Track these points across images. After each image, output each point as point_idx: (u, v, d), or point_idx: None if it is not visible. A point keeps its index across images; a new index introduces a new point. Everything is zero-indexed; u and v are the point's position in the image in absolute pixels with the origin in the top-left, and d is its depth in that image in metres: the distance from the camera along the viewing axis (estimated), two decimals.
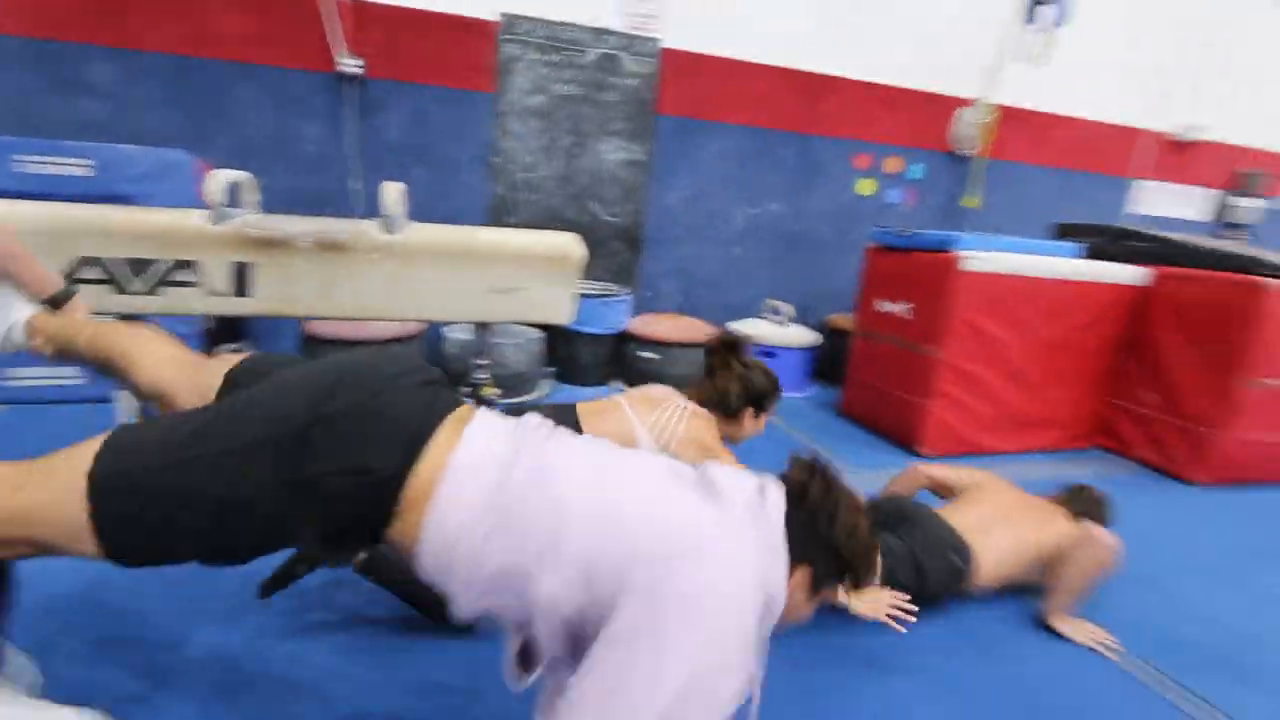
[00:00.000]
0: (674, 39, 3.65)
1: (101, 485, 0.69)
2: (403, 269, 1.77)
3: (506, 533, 0.72)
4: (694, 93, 3.76)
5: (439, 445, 0.75)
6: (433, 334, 3.35)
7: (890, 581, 1.53)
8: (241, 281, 1.66)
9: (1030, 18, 3.91)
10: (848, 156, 4.20)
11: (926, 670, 1.49)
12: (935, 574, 1.56)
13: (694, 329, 3.57)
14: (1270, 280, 2.61)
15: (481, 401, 2.02)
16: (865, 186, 4.28)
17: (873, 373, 3.18)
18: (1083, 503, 1.81)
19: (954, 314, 2.71)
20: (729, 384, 1.58)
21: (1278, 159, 5.50)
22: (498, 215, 3.59)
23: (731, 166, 3.96)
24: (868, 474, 2.59)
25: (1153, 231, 3.16)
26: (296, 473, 0.70)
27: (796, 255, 4.25)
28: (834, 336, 3.99)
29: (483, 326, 2.03)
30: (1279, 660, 1.65)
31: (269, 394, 0.76)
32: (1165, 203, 5.22)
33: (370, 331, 2.87)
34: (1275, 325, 2.63)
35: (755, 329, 3.77)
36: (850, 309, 4.19)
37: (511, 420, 0.88)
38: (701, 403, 1.57)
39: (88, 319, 1.12)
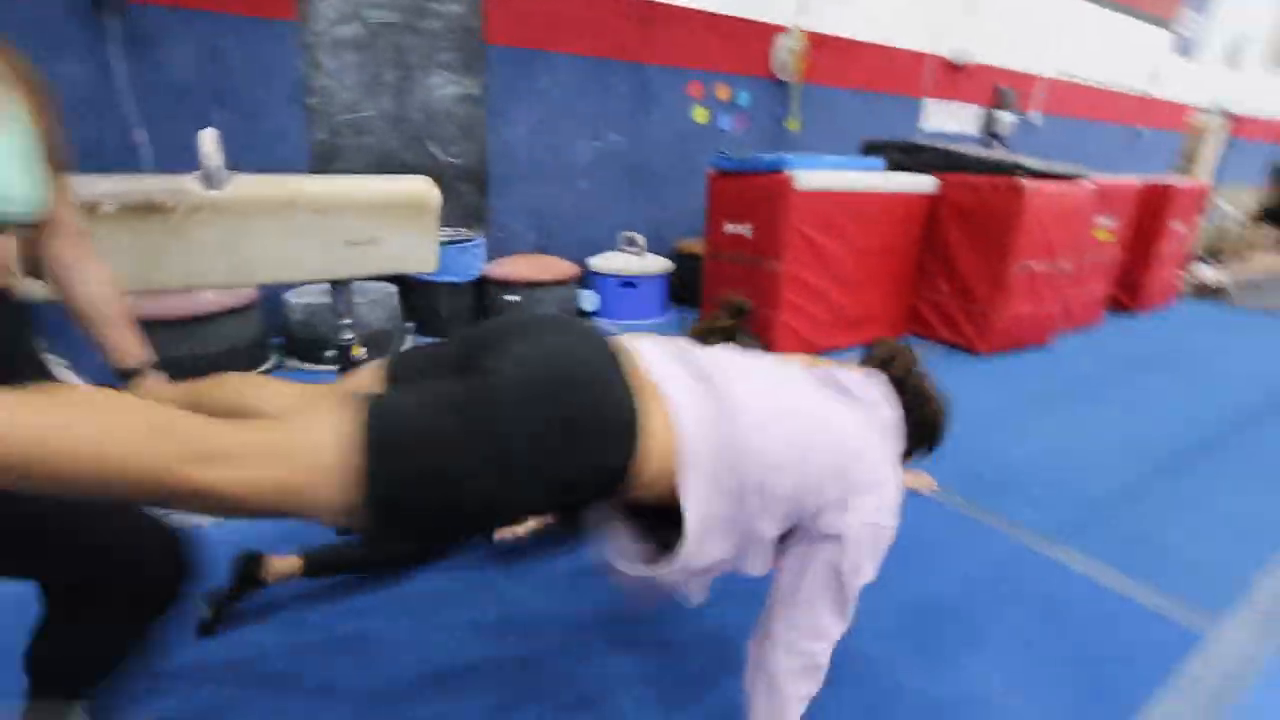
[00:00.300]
0: None
1: (378, 466, 0.67)
2: (238, 229, 1.60)
3: (735, 472, 0.82)
4: (524, 21, 3.61)
5: (650, 414, 0.80)
6: (271, 300, 3.05)
7: None
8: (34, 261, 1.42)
9: None
10: (682, 85, 4.31)
11: None
12: None
13: (554, 267, 3.59)
14: (1027, 181, 3.19)
15: (351, 364, 1.93)
16: (700, 114, 4.44)
17: (726, 290, 3.43)
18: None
19: (790, 229, 3.01)
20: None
21: (1025, 78, 6.52)
22: (323, 163, 3.27)
23: (571, 98, 3.91)
24: None
25: (938, 144, 3.67)
26: (550, 473, 0.75)
27: (641, 186, 4.36)
28: (685, 261, 4.21)
29: (339, 285, 1.92)
30: (1043, 480, 2.17)
31: (506, 400, 0.75)
32: (946, 118, 6.01)
33: (197, 306, 2.56)
34: (1032, 217, 3.23)
35: (615, 262, 3.88)
36: (696, 233, 4.44)
37: (670, 348, 0.93)
38: None
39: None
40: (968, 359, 3.44)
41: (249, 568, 1.39)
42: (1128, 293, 4.62)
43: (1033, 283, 3.41)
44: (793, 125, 4.86)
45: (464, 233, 3.56)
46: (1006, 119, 6.40)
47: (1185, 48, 8.13)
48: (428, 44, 3.39)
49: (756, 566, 0.91)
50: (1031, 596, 1.57)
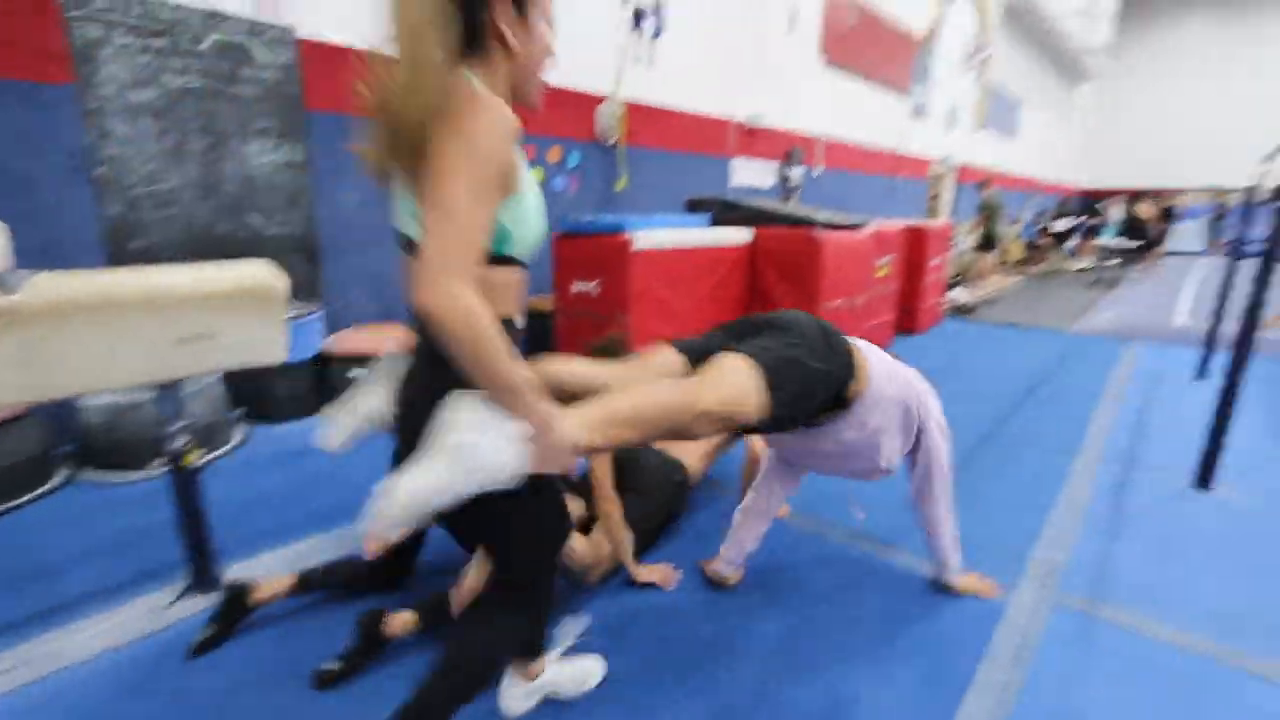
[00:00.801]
0: (314, 28, 3.37)
1: (771, 377, 1.23)
2: (40, 338, 1.42)
3: (894, 382, 1.54)
4: (348, 87, 3.54)
5: (855, 351, 1.47)
6: (58, 405, 2.60)
7: None
8: None
9: (634, 27, 4.66)
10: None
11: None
12: None
13: (404, 337, 3.48)
14: (822, 232, 3.77)
15: (184, 471, 1.74)
16: (535, 175, 4.62)
17: (577, 345, 3.59)
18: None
19: (633, 285, 3.25)
20: None
21: (808, 139, 7.65)
22: (119, 240, 2.90)
23: None
24: None
25: (749, 201, 4.21)
26: (833, 369, 1.38)
27: None
28: (535, 319, 4.31)
29: (168, 386, 1.74)
30: (865, 489, 2.54)
31: (810, 337, 1.38)
32: (750, 174, 6.84)
33: None
34: (830, 262, 3.82)
35: None
36: (544, 290, 4.57)
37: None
38: None
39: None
40: None
41: (371, 625, 1.52)
42: (907, 317, 5.56)
43: (837, 318, 4.00)
44: (621, 185, 5.23)
45: (296, 307, 3.34)
46: (797, 173, 7.44)
47: (918, 112, 10.08)
48: (241, 110, 3.19)
49: (887, 454, 1.59)
50: (869, 593, 1.85)
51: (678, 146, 5.82)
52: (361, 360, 3.27)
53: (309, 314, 3.29)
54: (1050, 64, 16.07)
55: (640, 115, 5.29)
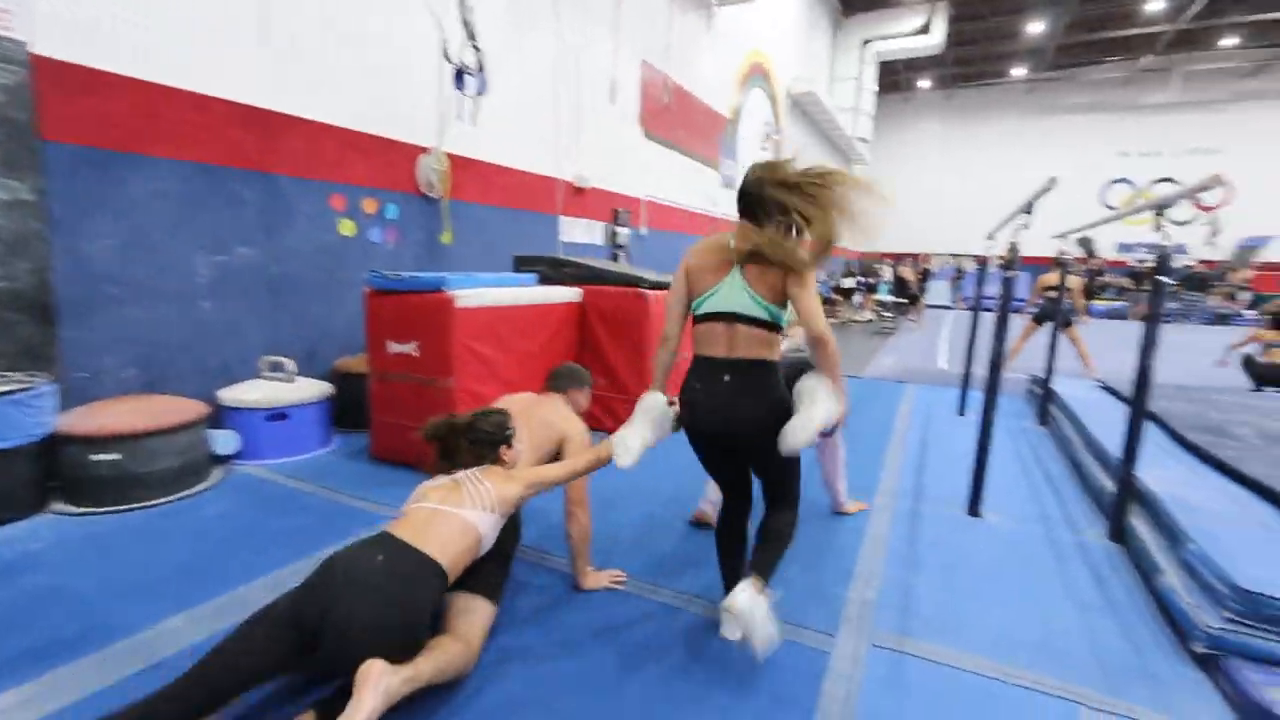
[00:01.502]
0: (56, 45, 2.82)
1: None
2: None
3: None
4: (103, 118, 3.00)
5: None
6: None
7: None
8: None
9: (458, 85, 4.60)
10: (322, 197, 4.10)
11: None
12: None
13: (170, 409, 2.91)
14: (648, 290, 3.90)
15: None
16: (346, 226, 4.27)
17: (396, 411, 3.28)
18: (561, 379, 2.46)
19: (457, 346, 3.06)
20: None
21: (632, 200, 8.06)
22: None
23: (181, 208, 3.34)
24: None
25: (578, 259, 4.25)
26: None
27: (285, 302, 3.93)
28: (347, 381, 3.89)
29: None
30: (657, 538, 2.57)
31: None
32: (580, 232, 6.99)
33: None
34: (656, 320, 3.94)
35: (257, 392, 3.35)
36: (357, 350, 4.16)
37: None
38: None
39: None
40: None
41: None
42: None
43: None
44: (446, 239, 5.03)
45: (13, 379, 2.65)
46: (625, 232, 7.77)
47: (728, 182, 11.17)
48: None
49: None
50: (674, 651, 1.82)
51: (506, 202, 5.77)
52: (108, 441, 2.66)
53: (34, 387, 2.62)
54: (831, 148, 18.87)
55: (466, 169, 5.18)
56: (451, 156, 4.93)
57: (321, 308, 4.15)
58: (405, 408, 3.22)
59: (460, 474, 1.85)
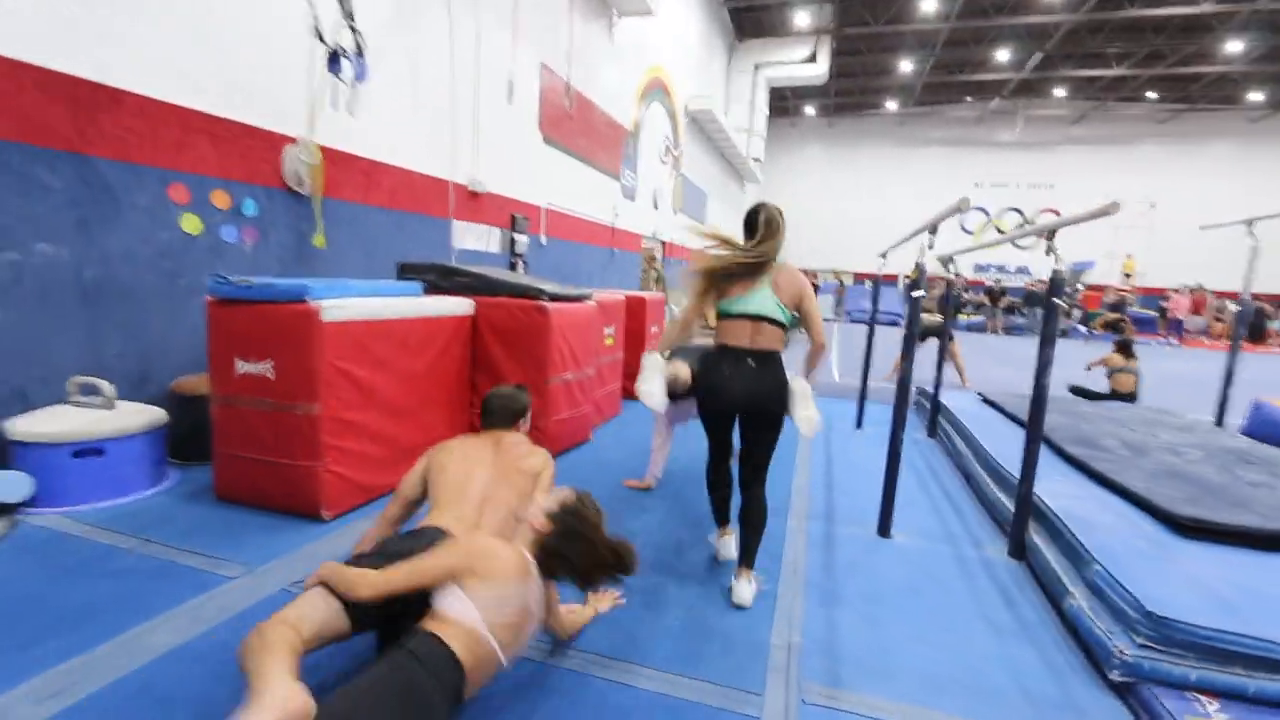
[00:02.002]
0: None
1: None
2: None
3: None
4: None
5: None
6: None
7: None
8: None
9: (332, 69, 4.09)
10: (160, 187, 3.45)
11: None
12: None
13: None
14: (549, 303, 3.61)
15: None
16: (191, 223, 3.63)
17: (247, 443, 2.76)
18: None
19: (324, 366, 2.62)
20: None
21: (532, 207, 7.72)
22: None
23: None
24: (264, 569, 2.24)
25: (472, 268, 3.88)
26: None
27: (107, 312, 3.25)
28: (188, 405, 3.27)
29: None
30: None
31: None
32: (474, 239, 6.56)
33: None
34: (557, 334, 3.66)
35: (62, 422, 2.69)
36: (203, 368, 3.53)
37: None
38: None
39: None
40: None
41: None
42: (633, 383, 5.75)
43: (569, 390, 3.85)
44: (319, 242, 4.46)
45: None
46: (523, 240, 7.41)
47: (629, 194, 11.10)
48: None
49: None
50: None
51: (391, 203, 5.25)
52: None
53: None
54: (727, 167, 19.48)
55: (343, 164, 4.64)
56: (325, 149, 4.38)
57: (159, 319, 3.49)
58: (257, 438, 2.71)
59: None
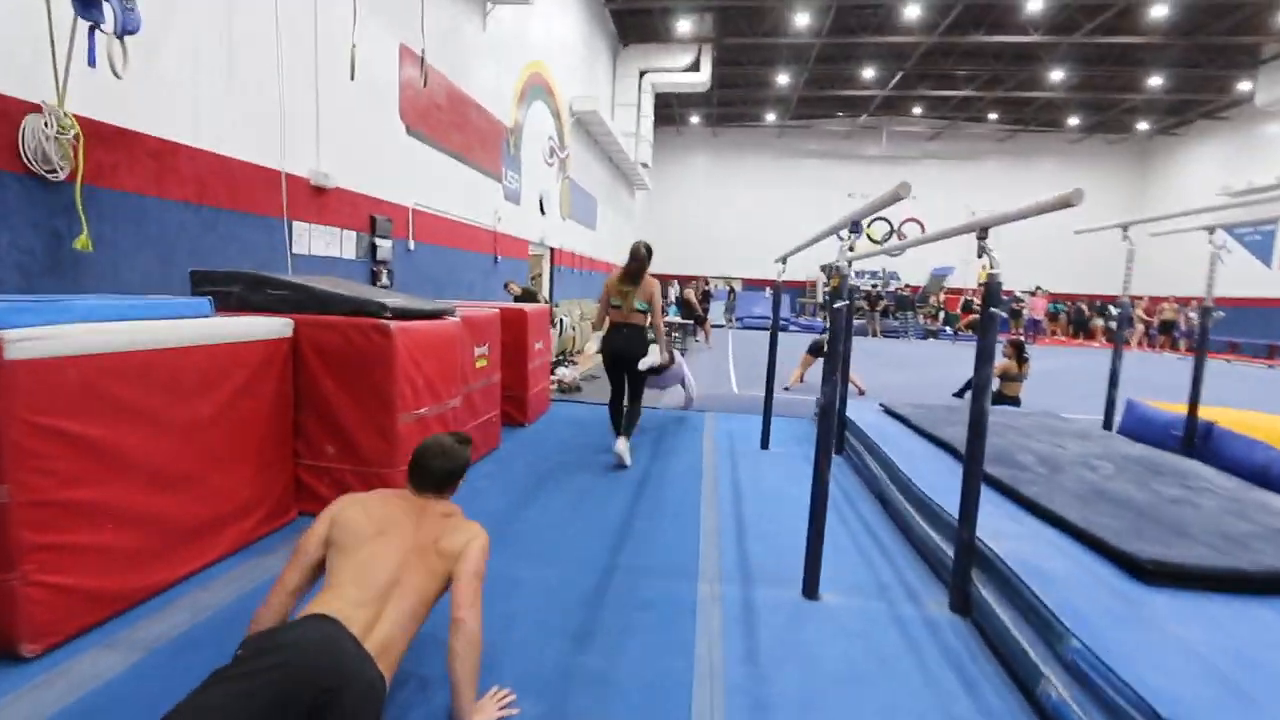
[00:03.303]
0: None
1: None
2: None
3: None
4: None
5: None
6: None
7: None
8: None
9: (84, 13, 3.06)
10: None
11: None
12: None
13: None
14: (393, 322, 2.85)
15: None
16: None
17: None
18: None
19: (10, 428, 1.73)
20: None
21: (398, 208, 6.77)
22: None
23: None
24: None
25: (292, 279, 3.03)
26: None
27: None
28: None
29: None
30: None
31: None
32: (322, 244, 5.55)
33: None
34: (405, 362, 2.91)
35: None
36: None
37: None
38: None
39: None
40: None
41: None
42: (517, 408, 5.04)
43: (426, 430, 3.10)
44: (82, 244, 3.37)
45: None
46: (386, 245, 6.46)
47: (513, 197, 10.32)
48: None
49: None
50: None
51: (200, 198, 4.20)
52: None
53: None
54: (616, 173, 19.11)
55: (119, 144, 3.58)
56: (87, 122, 3.33)
57: None
58: None
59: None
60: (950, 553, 2.43)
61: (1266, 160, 17.14)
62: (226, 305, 3.01)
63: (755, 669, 1.90)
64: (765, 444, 4.57)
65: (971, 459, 2.20)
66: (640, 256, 4.01)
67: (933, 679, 1.88)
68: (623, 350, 4.05)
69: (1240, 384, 10.08)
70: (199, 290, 3.07)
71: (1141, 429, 4.74)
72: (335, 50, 5.42)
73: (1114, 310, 16.57)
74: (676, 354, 5.01)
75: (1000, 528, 2.41)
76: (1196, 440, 4.06)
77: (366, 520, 1.61)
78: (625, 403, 4.19)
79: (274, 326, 2.73)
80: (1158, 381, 9.13)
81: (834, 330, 2.25)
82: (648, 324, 4.08)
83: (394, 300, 2.98)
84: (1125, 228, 4.10)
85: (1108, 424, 4.43)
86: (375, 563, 1.52)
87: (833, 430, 2.26)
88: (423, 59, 6.68)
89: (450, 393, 3.36)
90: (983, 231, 2.14)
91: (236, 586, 2.27)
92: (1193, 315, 16.79)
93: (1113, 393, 4.38)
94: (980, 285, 18.67)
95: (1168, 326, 17.05)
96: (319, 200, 5.48)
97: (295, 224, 5.17)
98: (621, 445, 3.96)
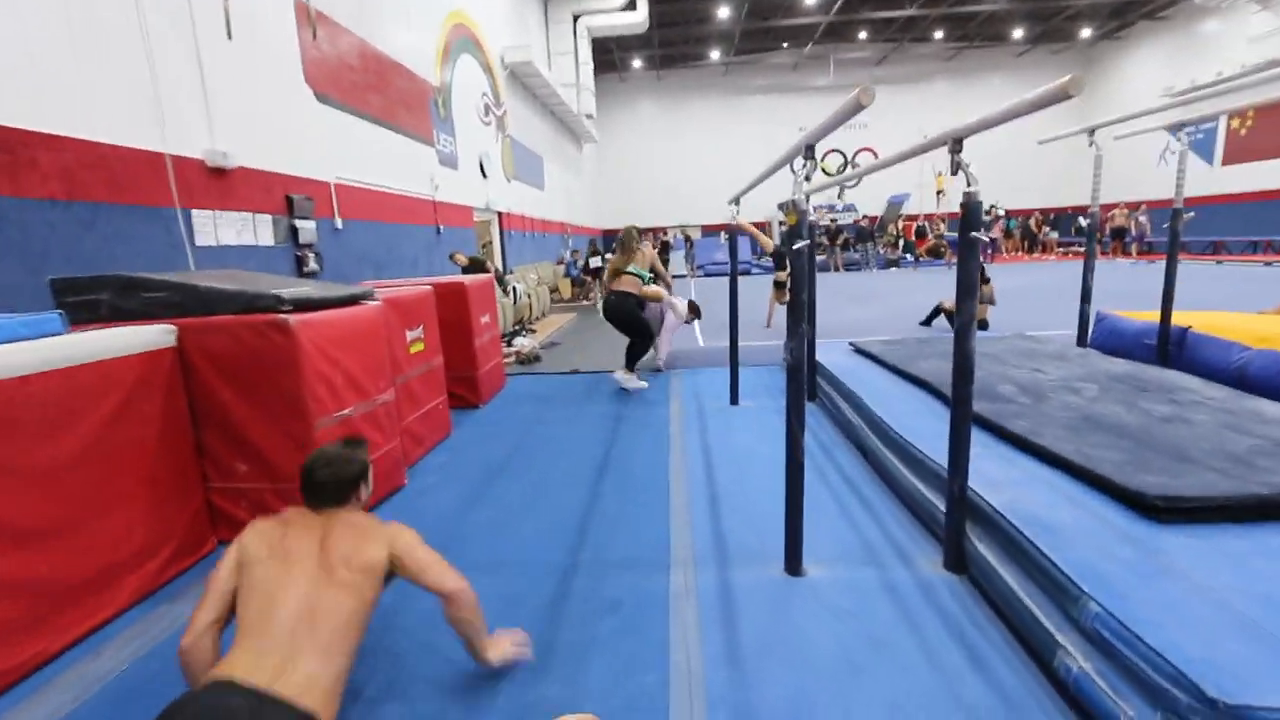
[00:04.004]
0: None
1: None
2: None
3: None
4: None
5: None
6: None
7: None
8: None
9: None
10: None
11: None
12: None
13: None
14: (292, 315, 2.46)
15: None
16: None
17: None
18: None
19: None
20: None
21: (318, 185, 6.19)
22: None
23: None
24: None
25: (167, 277, 2.60)
26: None
27: None
28: None
29: None
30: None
31: None
32: (232, 232, 5.01)
33: None
34: (315, 359, 2.53)
35: None
36: None
37: None
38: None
39: None
40: None
41: None
42: (468, 389, 4.70)
43: (354, 430, 2.75)
44: None
45: None
46: (308, 227, 5.91)
47: (449, 161, 9.67)
48: None
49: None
50: None
51: (70, 194, 3.65)
52: None
53: None
54: (560, 127, 18.23)
55: None
56: None
57: None
58: None
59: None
60: (940, 506, 2.22)
61: (1208, 58, 17.14)
62: (97, 316, 2.58)
63: (738, 672, 1.67)
64: (735, 399, 4.33)
65: (959, 403, 1.97)
66: (627, 241, 5.05)
67: (935, 658, 1.68)
68: (611, 311, 5.05)
69: (1193, 284, 10.21)
70: (63, 301, 2.62)
71: (1114, 341, 4.62)
72: (215, 12, 4.76)
73: (1080, 222, 16.60)
74: (665, 308, 5.46)
75: (992, 473, 2.20)
76: (1171, 347, 3.95)
77: (266, 550, 1.51)
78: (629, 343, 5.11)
79: (149, 336, 2.32)
80: (1116, 289, 9.15)
81: (795, 274, 1.95)
82: (635, 289, 4.96)
83: (293, 290, 2.58)
84: (1091, 132, 3.85)
85: (1081, 340, 4.29)
86: (279, 596, 1.42)
87: (803, 392, 1.99)
88: (310, 8, 5.99)
89: (379, 386, 3.00)
90: (956, 143, 1.84)
91: (135, 647, 1.95)
92: (1143, 219, 17.01)
93: (1085, 308, 4.22)
94: (935, 212, 18.45)
95: (1119, 233, 17.24)
96: (221, 183, 4.91)
97: (196, 213, 4.62)
98: (619, 375, 5.00)
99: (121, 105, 4.03)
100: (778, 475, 2.15)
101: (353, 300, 2.94)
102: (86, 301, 2.58)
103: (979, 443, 2.43)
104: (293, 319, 2.44)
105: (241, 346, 2.44)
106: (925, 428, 2.71)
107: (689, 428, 3.87)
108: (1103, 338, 4.75)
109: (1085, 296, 4.19)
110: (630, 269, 4.98)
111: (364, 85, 7.17)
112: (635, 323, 5.01)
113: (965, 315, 1.91)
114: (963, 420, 1.96)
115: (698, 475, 3.10)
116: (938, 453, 2.38)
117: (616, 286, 4.98)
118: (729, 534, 2.47)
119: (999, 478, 2.17)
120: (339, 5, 6.65)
